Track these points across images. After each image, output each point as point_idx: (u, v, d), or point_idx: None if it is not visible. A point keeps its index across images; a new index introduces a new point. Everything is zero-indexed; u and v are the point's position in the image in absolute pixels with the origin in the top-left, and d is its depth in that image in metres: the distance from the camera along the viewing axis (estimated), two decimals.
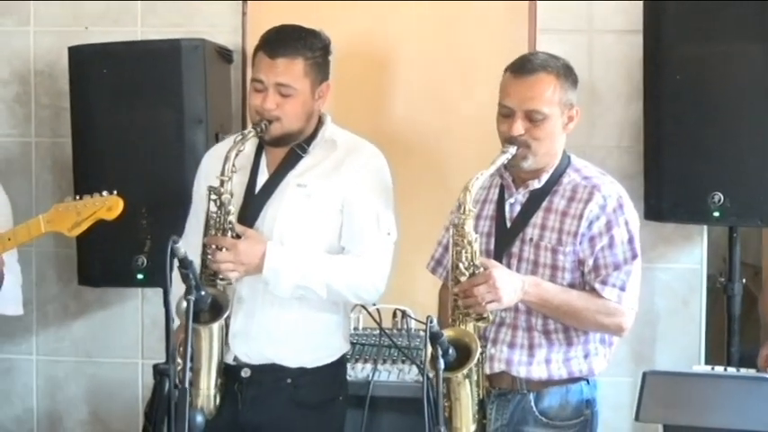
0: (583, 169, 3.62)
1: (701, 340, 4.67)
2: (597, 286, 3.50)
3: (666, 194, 4.31)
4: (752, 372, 3.37)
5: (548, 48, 4.55)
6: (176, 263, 3.14)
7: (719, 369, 3.36)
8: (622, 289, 3.50)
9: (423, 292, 4.08)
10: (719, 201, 4.18)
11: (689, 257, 4.69)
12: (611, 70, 4.66)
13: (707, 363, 4.51)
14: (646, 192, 4.37)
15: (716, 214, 4.20)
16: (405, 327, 4.33)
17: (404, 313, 4.32)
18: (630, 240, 3.54)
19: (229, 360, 3.63)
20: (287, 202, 3.63)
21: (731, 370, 3.42)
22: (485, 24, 4.72)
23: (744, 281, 4.46)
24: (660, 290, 4.69)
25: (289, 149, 3.69)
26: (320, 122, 3.74)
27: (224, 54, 4.71)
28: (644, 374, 3.20)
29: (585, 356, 3.58)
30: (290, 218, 3.62)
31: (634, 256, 3.53)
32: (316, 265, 3.59)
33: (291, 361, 3.65)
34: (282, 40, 3.60)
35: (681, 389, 3.19)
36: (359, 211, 3.65)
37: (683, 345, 4.66)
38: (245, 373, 3.64)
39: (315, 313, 3.67)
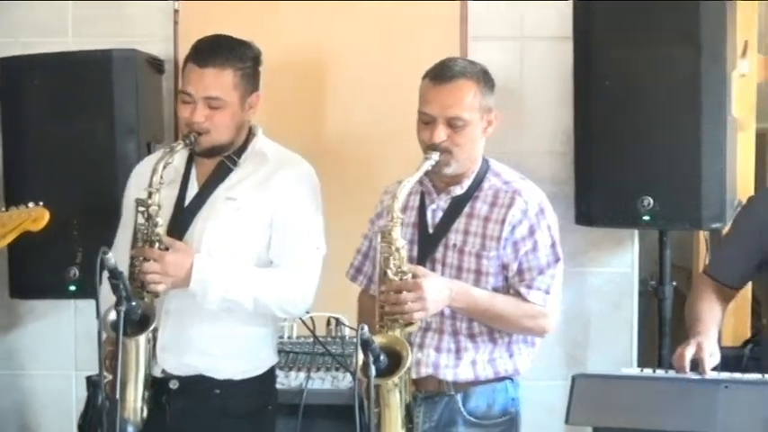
0: (503, 174, 3.67)
1: (632, 343, 4.71)
2: (523, 290, 3.55)
3: (597, 199, 4.36)
4: (694, 374, 3.40)
5: (480, 54, 4.59)
6: (106, 274, 3.14)
7: (648, 371, 3.39)
8: (547, 292, 3.57)
9: (357, 299, 4.09)
10: (649, 205, 4.22)
11: (620, 261, 4.74)
12: (542, 76, 4.70)
13: (639, 365, 4.55)
14: (576, 197, 4.42)
15: (646, 218, 4.25)
16: (338, 334, 4.35)
17: (338, 321, 4.34)
18: (553, 245, 3.61)
19: (157, 373, 3.61)
20: (216, 216, 3.63)
21: (661, 372, 3.45)
22: (417, 33, 4.72)
23: (675, 283, 4.51)
24: (592, 294, 4.73)
25: (219, 162, 3.69)
26: (251, 134, 3.74)
27: (155, 64, 4.70)
28: (573, 378, 3.24)
29: (510, 356, 3.64)
30: (220, 231, 3.62)
31: (557, 260, 3.61)
32: (243, 279, 3.60)
33: (220, 373, 3.65)
34: (212, 51, 3.60)
35: (610, 391, 3.23)
36: (288, 226, 3.66)
37: (615, 348, 4.71)
38: (174, 384, 3.63)
39: (243, 326, 3.67)
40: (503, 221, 3.55)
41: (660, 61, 4.22)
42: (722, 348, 4.00)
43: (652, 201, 4.22)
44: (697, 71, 4.18)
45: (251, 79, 3.66)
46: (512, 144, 4.63)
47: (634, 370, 3.41)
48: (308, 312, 4.07)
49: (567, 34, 4.45)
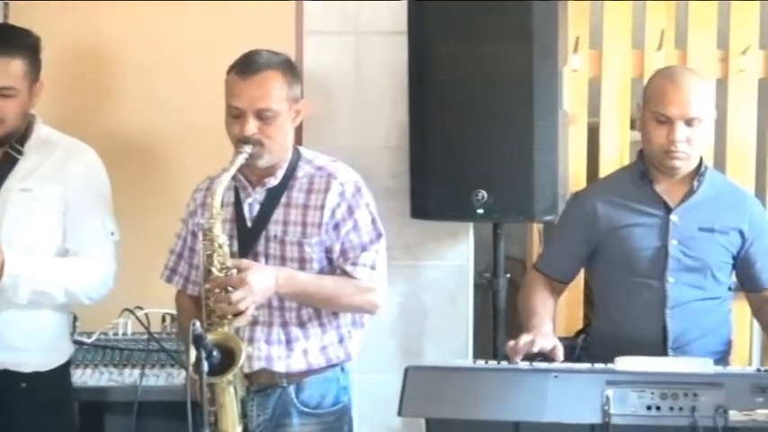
0: (314, 160, 3.71)
1: (468, 335, 4.76)
2: (349, 268, 3.60)
3: (432, 193, 4.38)
4: (525, 364, 3.44)
5: (315, 50, 4.61)
6: None
7: (481, 362, 3.43)
8: (373, 268, 3.63)
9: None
10: (483, 198, 4.26)
11: (456, 254, 4.78)
12: (377, 71, 4.70)
13: (475, 356, 4.60)
14: (412, 190, 4.44)
15: (480, 211, 4.28)
16: (173, 331, 4.32)
17: (173, 317, 4.30)
18: (374, 221, 3.67)
19: None
20: (13, 208, 3.63)
21: (493, 363, 3.49)
22: (250, 26, 4.69)
23: (509, 275, 4.57)
24: (428, 287, 4.77)
25: (3, 152, 3.68)
26: (29, 122, 3.74)
27: None
28: (406, 369, 3.25)
29: (340, 341, 3.69)
30: (18, 223, 3.63)
31: (379, 236, 3.67)
32: (52, 270, 3.62)
33: (25, 366, 3.67)
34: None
35: (442, 383, 3.24)
36: (84, 214, 3.71)
37: (451, 340, 4.75)
38: None
39: (46, 318, 3.71)
40: (322, 207, 3.60)
41: (493, 57, 4.26)
42: None
43: (486, 194, 4.26)
44: (529, 67, 4.23)
45: (36, 67, 3.68)
46: (347, 139, 4.66)
47: (467, 361, 3.43)
48: (142, 309, 4.08)
49: (401, 29, 4.45)
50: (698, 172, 3.84)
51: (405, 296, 4.75)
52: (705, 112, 3.74)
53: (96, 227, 3.74)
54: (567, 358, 3.63)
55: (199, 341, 3.10)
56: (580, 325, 4.61)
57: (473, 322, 4.80)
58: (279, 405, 3.64)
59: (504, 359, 3.53)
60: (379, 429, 4.62)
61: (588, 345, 3.97)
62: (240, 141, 3.52)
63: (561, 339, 4.14)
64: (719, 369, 3.33)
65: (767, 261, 3.86)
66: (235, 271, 3.43)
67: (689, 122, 3.70)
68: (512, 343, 3.51)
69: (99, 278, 3.73)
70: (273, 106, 3.54)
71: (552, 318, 3.85)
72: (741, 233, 3.82)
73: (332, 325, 3.67)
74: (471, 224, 4.74)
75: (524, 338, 3.51)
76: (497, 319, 4.53)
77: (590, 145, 4.89)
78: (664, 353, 3.75)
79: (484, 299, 4.80)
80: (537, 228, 4.74)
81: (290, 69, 3.64)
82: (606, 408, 3.14)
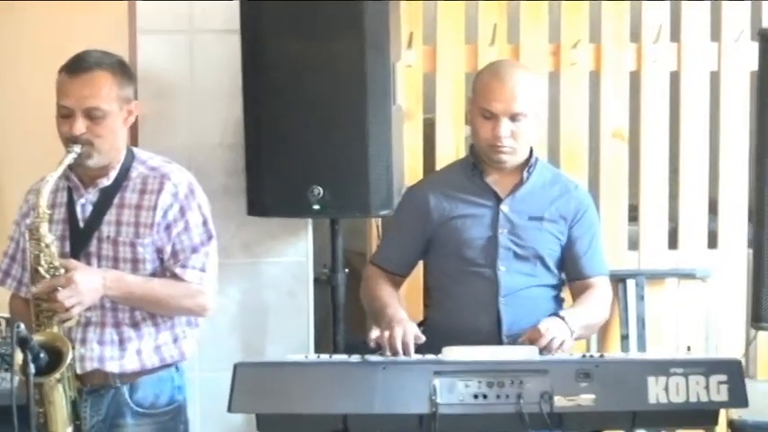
0: (148, 161, 3.71)
1: (309, 330, 4.77)
2: (178, 271, 3.61)
3: (268, 190, 4.39)
4: (344, 357, 3.48)
5: (149, 48, 4.58)
6: None
7: (313, 357, 3.45)
8: (203, 270, 3.65)
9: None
10: (319, 194, 4.28)
11: (296, 251, 4.78)
12: (212, 69, 4.67)
13: (317, 351, 4.62)
14: (248, 188, 4.43)
15: (316, 207, 4.30)
16: (8, 335, 4.25)
17: (8, 321, 4.24)
18: (205, 223, 3.69)
19: None
20: None
21: (325, 357, 3.51)
22: (82, 26, 4.65)
23: (347, 270, 4.60)
24: (269, 284, 4.76)
25: None
26: None
27: None
28: (235, 366, 3.26)
29: (175, 341, 3.70)
30: None
31: (210, 238, 3.69)
32: None
33: None
34: None
35: (272, 378, 3.27)
36: None
37: (293, 336, 4.75)
38: None
39: None
40: (154, 207, 3.60)
41: (326, 54, 4.28)
42: None
43: (322, 190, 4.28)
44: (361, 63, 4.26)
45: None
46: (183, 138, 4.64)
47: (298, 356, 3.45)
48: None
49: (235, 27, 4.44)
50: (528, 163, 3.90)
51: (245, 294, 4.75)
52: (530, 106, 3.81)
53: None
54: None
55: (24, 343, 3.09)
56: (421, 316, 4.65)
57: (314, 317, 4.81)
58: (112, 406, 3.62)
59: (348, 352, 3.55)
60: (222, 427, 4.60)
61: (425, 335, 4.00)
62: (69, 141, 3.52)
63: None
64: (545, 356, 3.40)
65: (592, 251, 3.95)
66: (63, 271, 3.42)
67: (513, 118, 3.77)
68: (389, 335, 3.53)
69: None
70: (103, 106, 3.54)
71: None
72: (568, 222, 3.90)
73: (166, 325, 3.68)
74: (310, 220, 4.75)
75: (398, 331, 3.53)
76: (336, 314, 4.55)
77: (426, 139, 4.93)
78: (498, 341, 3.80)
79: (324, 294, 4.82)
80: (375, 222, 4.77)
81: (122, 70, 3.63)
82: (433, 398, 3.19)
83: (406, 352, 3.48)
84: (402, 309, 3.81)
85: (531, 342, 3.51)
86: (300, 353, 4.10)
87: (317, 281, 4.79)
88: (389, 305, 3.81)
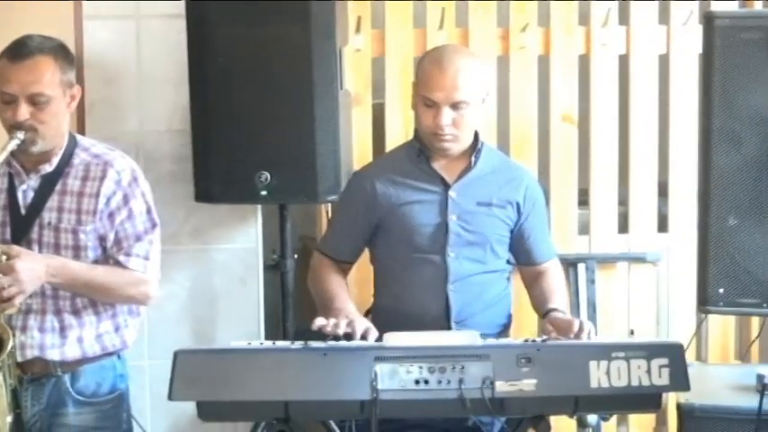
0: (91, 148, 3.70)
1: (259, 317, 4.77)
2: (122, 258, 3.61)
3: (216, 176, 4.38)
4: (286, 343, 3.47)
5: (95, 34, 4.55)
6: None
7: (256, 343, 3.43)
8: (146, 258, 3.64)
9: None
10: (267, 180, 4.27)
11: (245, 237, 4.78)
12: (160, 54, 4.66)
13: (267, 338, 4.61)
14: (195, 174, 4.42)
15: (263, 193, 4.30)
16: None
17: None
18: (149, 211, 3.68)
19: None
20: None
21: (277, 343, 3.50)
22: (28, 12, 4.58)
23: (296, 256, 4.59)
24: (218, 270, 4.76)
25: None
26: None
27: None
28: (174, 354, 3.24)
29: (116, 330, 3.69)
30: None
31: (154, 226, 3.68)
32: None
33: None
34: None
35: (212, 365, 3.23)
36: None
37: (243, 322, 4.74)
38: None
39: None
40: (97, 195, 3.59)
41: (272, 38, 4.27)
42: None
43: (269, 176, 4.27)
44: (308, 48, 4.26)
45: None
46: (130, 124, 4.63)
47: (241, 343, 3.43)
48: None
49: (182, 12, 4.41)
50: (474, 148, 3.89)
51: (195, 281, 4.74)
52: (473, 94, 3.77)
53: None
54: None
55: None
56: (371, 303, 4.65)
57: (265, 304, 4.80)
58: (54, 394, 3.61)
59: (295, 339, 3.53)
60: (172, 415, 4.60)
61: (372, 322, 3.99)
62: (13, 127, 3.50)
63: None
64: (486, 341, 3.39)
65: (541, 235, 3.96)
66: (4, 258, 3.40)
67: (455, 106, 3.74)
68: (333, 323, 3.52)
69: None
70: (46, 91, 3.52)
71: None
72: (517, 207, 3.89)
73: (108, 313, 3.67)
74: (260, 206, 4.74)
75: (343, 322, 3.53)
76: (286, 301, 4.54)
77: (376, 124, 4.92)
78: (447, 327, 3.80)
79: (274, 279, 4.81)
80: (325, 207, 4.76)
81: (63, 54, 3.61)
82: (374, 383, 3.18)
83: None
84: (350, 301, 3.81)
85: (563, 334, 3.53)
86: (251, 339, 4.10)
87: (267, 267, 4.77)
88: (339, 297, 3.81)
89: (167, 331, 4.60)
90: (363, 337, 3.51)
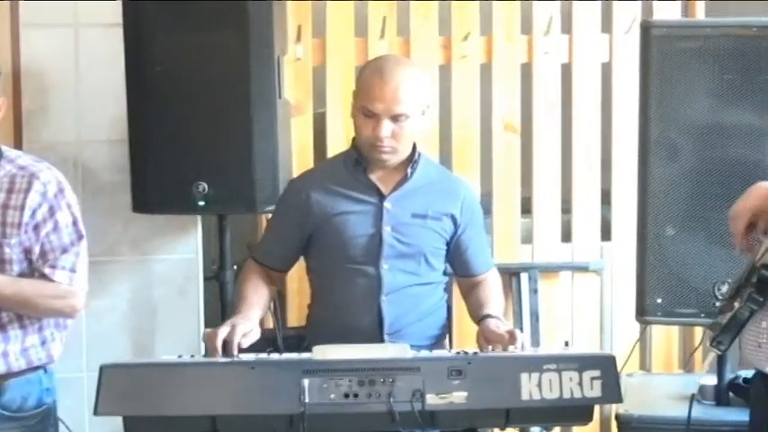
0: (17, 159, 3.65)
1: (199, 328, 4.73)
2: (47, 271, 3.56)
3: (153, 186, 4.35)
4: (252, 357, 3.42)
5: (32, 42, 4.52)
6: None
7: (186, 357, 3.39)
8: (73, 270, 3.59)
9: None
10: (204, 190, 4.24)
11: (185, 248, 4.75)
12: (97, 64, 4.63)
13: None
14: (133, 184, 4.38)
15: (201, 203, 4.27)
16: None
17: None
18: (75, 222, 3.63)
19: None
20: None
21: (198, 357, 3.46)
22: None
23: (235, 267, 4.56)
24: (158, 281, 4.73)
25: None
26: None
27: None
28: (100, 368, 3.20)
29: (43, 343, 3.64)
30: None
31: (80, 237, 3.63)
32: None
33: None
34: None
35: (140, 379, 3.20)
36: None
37: (182, 334, 4.72)
38: None
39: None
40: (22, 207, 3.54)
41: (209, 47, 4.24)
42: (286, 329, 4.13)
43: (207, 186, 4.24)
44: (245, 57, 4.24)
45: None
46: (68, 134, 4.59)
47: (170, 357, 3.39)
48: None
49: (119, 21, 4.38)
50: (411, 159, 3.86)
51: (134, 292, 4.71)
52: (414, 106, 3.73)
53: None
54: (297, 348, 3.65)
55: None
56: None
57: (205, 315, 4.77)
58: None
59: (242, 352, 3.49)
60: (111, 428, 4.52)
61: (309, 333, 3.97)
62: None
63: (291, 329, 4.18)
64: (417, 354, 3.37)
65: (478, 247, 3.93)
66: None
67: (395, 118, 3.70)
68: (211, 332, 3.48)
69: None
70: None
71: (264, 306, 3.83)
72: (453, 219, 3.86)
73: (34, 327, 3.61)
74: (199, 217, 4.71)
75: (223, 330, 3.48)
76: (226, 311, 4.50)
77: (317, 133, 4.90)
78: (380, 339, 3.77)
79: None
80: (265, 217, 4.73)
81: None
82: (302, 397, 3.15)
83: (226, 351, 3.42)
84: (255, 306, 3.74)
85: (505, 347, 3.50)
86: (192, 351, 4.07)
87: (207, 278, 4.74)
88: (245, 301, 3.76)
89: (106, 343, 4.56)
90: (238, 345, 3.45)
